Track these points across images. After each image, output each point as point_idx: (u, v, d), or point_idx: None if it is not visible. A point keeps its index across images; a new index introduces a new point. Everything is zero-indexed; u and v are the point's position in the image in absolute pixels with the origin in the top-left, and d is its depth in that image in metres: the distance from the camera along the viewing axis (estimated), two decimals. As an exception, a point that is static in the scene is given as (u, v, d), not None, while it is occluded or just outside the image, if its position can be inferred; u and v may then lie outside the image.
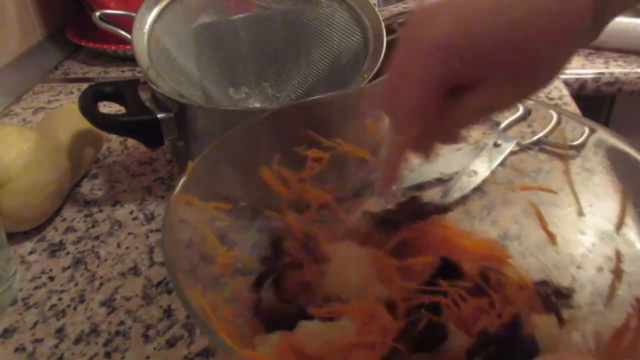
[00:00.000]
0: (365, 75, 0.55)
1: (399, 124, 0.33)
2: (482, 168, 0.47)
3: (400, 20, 0.64)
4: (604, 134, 0.38)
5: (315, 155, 0.43)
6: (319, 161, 0.42)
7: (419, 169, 0.48)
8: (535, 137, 0.46)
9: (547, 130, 0.44)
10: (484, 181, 0.47)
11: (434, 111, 0.31)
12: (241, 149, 0.41)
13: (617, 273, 0.36)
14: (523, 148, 0.47)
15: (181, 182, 0.35)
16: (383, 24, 0.58)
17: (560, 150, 0.43)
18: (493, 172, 0.47)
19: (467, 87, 0.30)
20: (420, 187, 0.49)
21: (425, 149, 0.35)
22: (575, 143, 0.41)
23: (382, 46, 0.57)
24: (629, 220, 0.36)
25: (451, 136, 0.34)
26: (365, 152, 0.44)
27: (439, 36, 0.28)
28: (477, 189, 0.47)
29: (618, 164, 0.37)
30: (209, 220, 0.37)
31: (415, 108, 0.31)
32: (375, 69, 0.55)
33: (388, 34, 0.58)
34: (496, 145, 0.49)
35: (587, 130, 0.39)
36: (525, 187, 0.42)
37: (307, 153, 0.42)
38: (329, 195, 0.43)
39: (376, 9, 0.59)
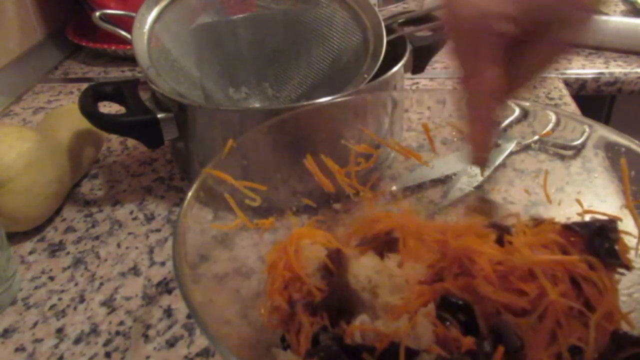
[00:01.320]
0: (365, 75, 0.55)
1: (478, 84, 0.33)
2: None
3: (400, 20, 0.64)
4: (604, 132, 0.38)
5: (363, 151, 0.43)
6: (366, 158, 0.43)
7: (419, 169, 0.48)
8: (535, 137, 0.46)
9: (547, 130, 0.44)
10: (484, 181, 0.47)
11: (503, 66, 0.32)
12: (282, 140, 0.43)
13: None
14: (523, 148, 0.47)
15: (216, 159, 0.38)
16: (383, 24, 0.58)
17: (560, 150, 0.43)
18: (493, 172, 0.47)
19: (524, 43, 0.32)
20: (420, 187, 0.49)
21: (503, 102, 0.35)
22: (575, 143, 0.41)
23: (382, 46, 0.57)
24: (629, 221, 0.36)
25: (522, 87, 0.35)
26: (419, 156, 0.44)
27: (485, 6, 0.31)
28: (477, 189, 0.47)
29: (618, 163, 0.37)
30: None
31: (488, 64, 0.32)
32: (375, 68, 0.55)
33: (388, 34, 0.58)
34: (496, 145, 0.49)
35: (587, 130, 0.39)
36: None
37: (355, 148, 0.43)
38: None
39: (376, 9, 0.59)
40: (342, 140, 0.43)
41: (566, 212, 0.40)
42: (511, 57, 0.33)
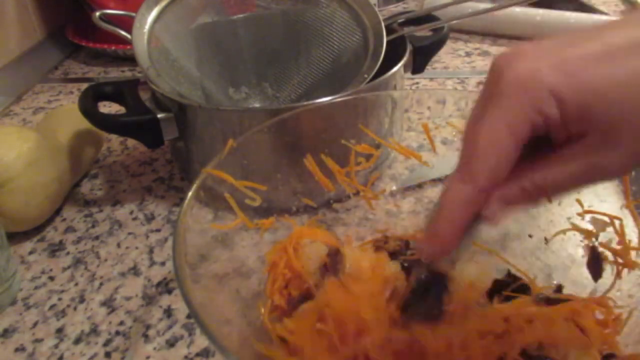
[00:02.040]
0: (365, 76, 0.55)
1: (468, 169, 0.26)
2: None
3: (400, 20, 0.64)
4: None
5: (363, 151, 0.43)
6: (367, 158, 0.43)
7: (419, 169, 0.48)
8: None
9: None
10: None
11: (511, 163, 0.25)
12: (282, 140, 0.42)
13: (617, 272, 0.37)
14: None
15: (216, 159, 0.37)
16: (383, 24, 0.58)
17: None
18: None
19: (550, 146, 0.25)
20: (420, 187, 0.49)
21: (485, 209, 0.27)
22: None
23: (382, 46, 0.57)
24: (629, 221, 0.36)
25: (530, 201, 0.27)
26: (419, 156, 0.44)
27: (534, 73, 0.23)
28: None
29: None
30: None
31: (493, 154, 0.25)
32: (375, 68, 0.55)
33: (388, 34, 0.58)
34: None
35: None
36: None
37: (355, 147, 0.43)
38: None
39: (376, 9, 0.59)
40: (342, 140, 0.43)
41: (567, 212, 0.40)
42: (527, 158, 0.25)
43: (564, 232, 0.40)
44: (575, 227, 0.39)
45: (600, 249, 0.38)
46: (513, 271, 0.41)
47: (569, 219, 0.40)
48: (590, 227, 0.38)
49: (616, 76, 0.23)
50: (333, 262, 0.36)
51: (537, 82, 0.23)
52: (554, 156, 0.25)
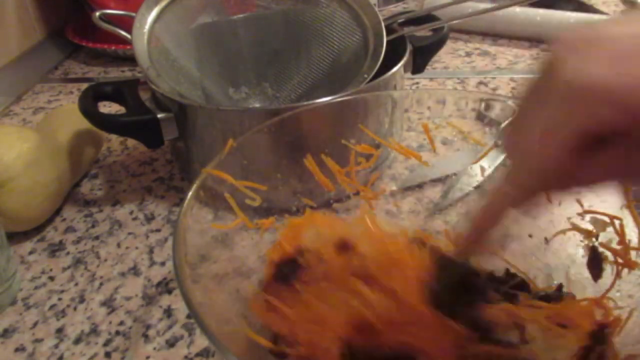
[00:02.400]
0: (365, 76, 0.55)
1: (519, 174, 0.26)
2: (478, 168, 0.47)
3: (400, 20, 0.64)
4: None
5: (364, 151, 0.43)
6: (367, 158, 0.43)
7: (419, 169, 0.48)
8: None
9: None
10: (484, 181, 0.47)
11: (564, 167, 0.25)
12: (282, 140, 0.42)
13: (617, 273, 0.37)
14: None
15: (216, 159, 0.37)
16: (383, 24, 0.58)
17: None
18: (493, 172, 0.47)
19: (602, 142, 0.24)
20: (420, 187, 0.49)
21: (526, 206, 0.28)
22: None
23: (382, 46, 0.57)
24: (629, 221, 0.36)
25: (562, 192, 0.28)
26: (419, 156, 0.44)
27: (591, 78, 0.22)
28: (477, 189, 0.47)
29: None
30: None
31: (546, 163, 0.25)
32: (375, 68, 0.56)
33: (388, 34, 0.58)
34: (496, 145, 0.49)
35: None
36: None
37: (355, 147, 0.43)
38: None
39: (376, 9, 0.59)
40: (342, 140, 0.43)
41: (567, 212, 0.40)
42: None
43: (564, 232, 0.40)
44: (576, 227, 0.39)
45: (601, 249, 0.38)
46: (512, 270, 0.41)
47: (569, 219, 0.40)
48: (590, 227, 0.38)
49: None
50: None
51: (593, 87, 0.22)
52: (606, 151, 0.24)
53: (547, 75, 0.24)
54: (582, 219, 0.39)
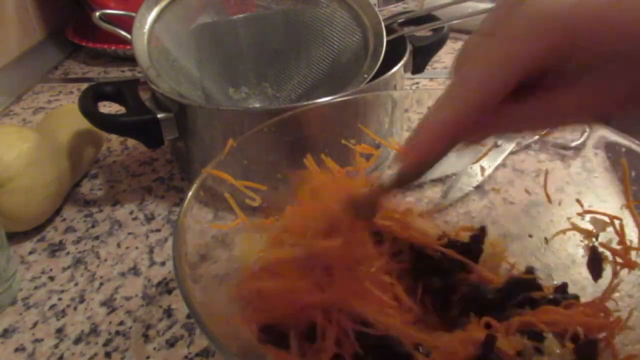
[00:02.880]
0: (365, 76, 0.55)
1: (458, 95, 0.26)
2: (478, 168, 0.47)
3: (400, 20, 0.64)
4: (604, 132, 0.38)
5: (364, 151, 0.43)
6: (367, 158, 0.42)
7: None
8: (535, 137, 0.46)
9: (547, 130, 0.44)
10: (484, 181, 0.47)
11: (500, 98, 0.24)
12: (282, 140, 0.42)
13: (616, 273, 0.37)
14: (523, 148, 0.47)
15: (216, 159, 0.37)
16: (383, 24, 0.58)
17: (561, 150, 0.43)
18: (493, 172, 0.47)
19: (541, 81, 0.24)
20: (420, 187, 0.49)
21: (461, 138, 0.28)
22: (575, 143, 0.41)
23: (382, 46, 0.57)
24: (629, 221, 0.36)
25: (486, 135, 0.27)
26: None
27: (552, 8, 0.23)
28: (477, 189, 0.47)
29: (618, 163, 0.37)
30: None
31: (488, 85, 0.24)
32: (375, 68, 0.56)
33: (388, 34, 0.58)
34: (496, 145, 0.49)
35: (587, 130, 0.39)
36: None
37: (355, 147, 0.43)
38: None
39: (376, 9, 0.59)
40: (342, 140, 0.43)
41: (567, 212, 0.40)
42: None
43: (564, 232, 0.40)
44: (576, 227, 0.39)
45: (601, 249, 0.38)
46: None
47: (569, 218, 0.40)
48: (590, 227, 0.38)
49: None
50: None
51: (547, 15, 0.23)
52: (558, 87, 0.24)
53: (505, 5, 0.24)
54: (582, 219, 0.39)
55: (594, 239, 0.38)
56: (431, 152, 0.27)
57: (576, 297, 0.37)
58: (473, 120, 0.25)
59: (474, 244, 0.40)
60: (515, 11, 0.24)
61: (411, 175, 0.30)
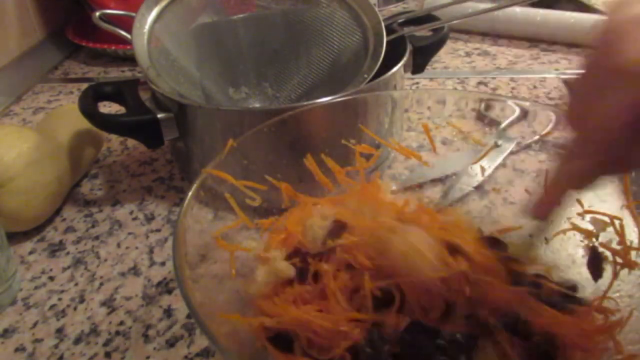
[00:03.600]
0: (365, 76, 0.55)
1: (584, 146, 0.28)
2: (479, 168, 0.47)
3: (400, 20, 0.64)
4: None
5: (364, 151, 0.43)
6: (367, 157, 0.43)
7: (419, 169, 0.48)
8: (535, 137, 0.46)
9: (547, 130, 0.44)
10: (484, 181, 0.47)
11: (627, 138, 0.26)
12: (282, 140, 0.42)
13: (615, 273, 0.37)
14: (523, 148, 0.47)
15: (216, 159, 0.37)
16: (383, 24, 0.58)
17: (561, 150, 0.43)
18: (493, 172, 0.47)
19: None
20: (420, 187, 0.49)
21: (592, 180, 0.30)
22: (575, 143, 0.41)
23: (382, 46, 0.57)
24: (629, 221, 0.36)
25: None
26: (419, 156, 0.44)
27: None
28: (477, 189, 0.47)
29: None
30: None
31: (611, 132, 0.26)
32: (375, 68, 0.55)
33: (388, 34, 0.58)
34: (496, 145, 0.49)
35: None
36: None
37: (356, 147, 0.43)
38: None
39: (376, 9, 0.59)
40: (342, 140, 0.43)
41: (566, 212, 0.40)
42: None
43: (564, 232, 0.40)
44: (576, 227, 0.39)
45: (601, 249, 0.38)
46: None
47: (569, 218, 0.40)
48: (590, 227, 0.38)
49: None
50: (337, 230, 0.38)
51: None
52: None
53: (603, 55, 0.25)
54: (582, 219, 0.39)
55: (594, 239, 0.38)
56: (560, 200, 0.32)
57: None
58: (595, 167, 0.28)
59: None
60: (620, 53, 0.24)
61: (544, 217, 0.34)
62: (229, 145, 0.39)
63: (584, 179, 0.29)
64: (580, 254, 0.39)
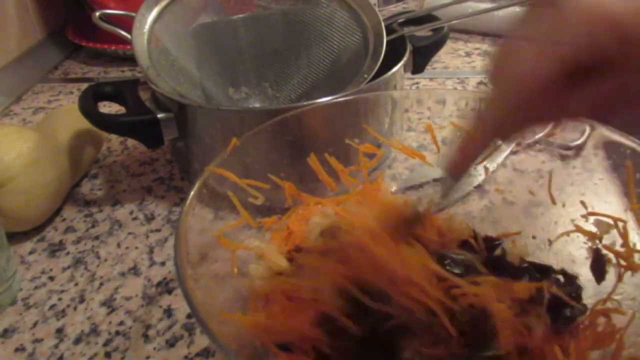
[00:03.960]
0: (365, 75, 0.55)
1: (503, 95, 0.26)
2: (482, 168, 0.47)
3: (400, 20, 0.64)
4: (604, 132, 0.38)
5: (368, 151, 0.43)
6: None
7: (419, 169, 0.48)
8: (536, 137, 0.46)
9: (547, 130, 0.44)
10: (484, 181, 0.47)
11: (553, 93, 0.24)
12: (284, 139, 0.42)
13: (620, 275, 0.36)
14: (523, 148, 0.47)
15: (219, 157, 0.37)
16: (383, 24, 0.58)
17: (561, 150, 0.43)
18: (493, 172, 0.47)
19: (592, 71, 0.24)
20: (421, 187, 0.49)
21: (509, 134, 0.28)
22: (576, 143, 0.41)
23: (382, 46, 0.57)
24: (630, 221, 0.36)
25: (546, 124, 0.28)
26: (423, 156, 0.43)
27: (598, 3, 0.22)
28: (477, 189, 0.47)
29: (619, 163, 0.37)
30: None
31: (537, 85, 0.24)
32: (375, 68, 0.55)
33: (388, 34, 0.58)
34: (497, 145, 0.49)
35: (587, 129, 0.39)
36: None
37: (360, 147, 0.43)
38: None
39: (376, 9, 0.59)
40: (346, 140, 0.43)
41: (567, 212, 0.40)
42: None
43: (567, 234, 0.40)
44: (579, 229, 0.39)
45: (604, 251, 0.38)
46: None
47: (572, 220, 0.40)
48: (593, 228, 0.38)
49: None
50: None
51: (596, 11, 0.22)
52: (598, 79, 0.24)
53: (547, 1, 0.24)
54: (586, 221, 0.39)
55: (597, 241, 0.38)
56: (481, 149, 0.28)
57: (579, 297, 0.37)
58: (522, 116, 0.25)
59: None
60: (561, 4, 0.23)
61: (459, 174, 0.31)
62: (233, 143, 0.39)
63: (505, 130, 0.27)
64: (582, 256, 0.39)
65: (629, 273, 0.36)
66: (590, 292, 0.38)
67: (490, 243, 0.41)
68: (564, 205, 0.40)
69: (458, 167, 0.30)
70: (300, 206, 0.41)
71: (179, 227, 0.33)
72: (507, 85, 0.25)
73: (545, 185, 0.41)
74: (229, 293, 0.37)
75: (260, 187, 0.39)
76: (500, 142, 0.29)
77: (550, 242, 0.41)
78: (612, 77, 0.24)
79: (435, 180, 0.48)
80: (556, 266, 0.40)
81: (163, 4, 0.58)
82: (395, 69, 0.53)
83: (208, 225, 0.37)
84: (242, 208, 0.38)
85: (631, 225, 0.36)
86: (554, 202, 0.41)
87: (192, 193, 0.35)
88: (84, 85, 0.60)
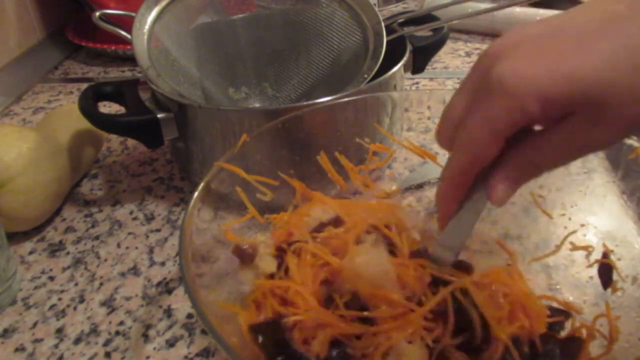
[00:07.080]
0: (365, 75, 0.55)
1: (460, 160, 0.29)
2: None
3: (400, 20, 0.64)
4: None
5: (378, 150, 0.43)
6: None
7: (419, 169, 0.48)
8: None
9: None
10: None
11: (496, 149, 0.27)
12: (287, 139, 0.43)
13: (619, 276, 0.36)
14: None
15: (227, 154, 0.38)
16: (383, 24, 0.58)
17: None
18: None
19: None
20: (420, 187, 0.49)
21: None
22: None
23: (382, 46, 0.57)
24: (629, 221, 0.36)
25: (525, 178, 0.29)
26: (433, 157, 0.43)
27: (518, 76, 0.25)
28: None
29: (619, 162, 0.37)
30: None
31: (485, 149, 0.27)
32: (375, 68, 0.55)
33: (388, 34, 0.58)
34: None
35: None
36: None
37: (370, 146, 0.43)
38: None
39: (376, 9, 0.59)
40: (356, 139, 0.43)
41: (568, 212, 0.40)
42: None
43: (573, 247, 0.39)
44: (575, 247, 0.39)
45: (612, 257, 0.37)
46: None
47: (571, 220, 0.40)
48: (594, 240, 0.38)
49: (592, 62, 0.24)
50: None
51: (522, 86, 0.25)
52: (543, 136, 0.27)
53: (486, 70, 0.26)
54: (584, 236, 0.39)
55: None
56: (456, 203, 0.32)
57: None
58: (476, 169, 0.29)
59: None
60: (490, 76, 0.26)
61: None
62: (242, 139, 0.39)
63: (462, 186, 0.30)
64: (580, 254, 0.39)
65: (629, 284, 0.36)
66: (588, 291, 0.38)
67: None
68: (563, 205, 0.40)
69: (444, 222, 0.32)
70: (306, 204, 0.41)
71: (184, 227, 0.33)
72: (463, 146, 0.29)
73: (546, 185, 0.42)
74: (229, 292, 0.37)
75: (266, 183, 0.40)
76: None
77: (558, 248, 0.41)
78: (532, 137, 0.27)
79: (435, 180, 0.48)
80: (556, 266, 0.40)
81: (163, 4, 0.58)
82: (395, 69, 0.53)
83: (207, 225, 0.37)
84: (250, 203, 0.38)
85: (631, 225, 0.36)
86: (550, 217, 0.41)
87: (196, 194, 0.35)
88: (84, 85, 0.60)
